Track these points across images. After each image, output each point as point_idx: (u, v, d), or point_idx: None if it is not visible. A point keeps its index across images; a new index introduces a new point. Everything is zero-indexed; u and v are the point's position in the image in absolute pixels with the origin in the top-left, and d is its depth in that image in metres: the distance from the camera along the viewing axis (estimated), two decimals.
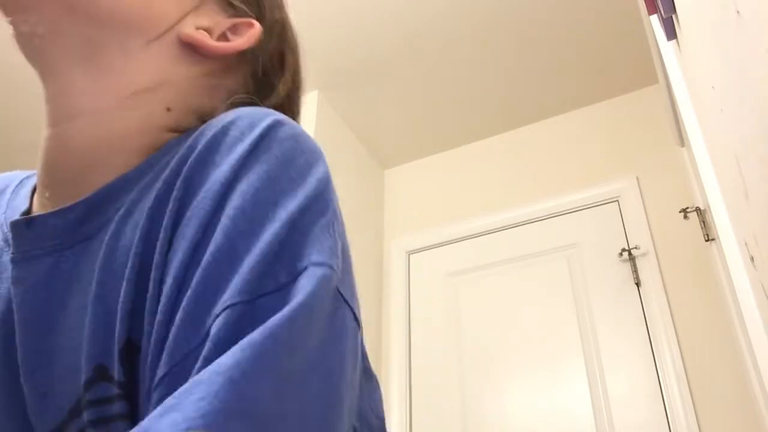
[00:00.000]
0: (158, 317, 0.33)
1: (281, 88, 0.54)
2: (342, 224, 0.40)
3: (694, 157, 1.14)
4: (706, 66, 0.80)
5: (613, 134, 2.31)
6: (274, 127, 0.38)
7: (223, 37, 0.49)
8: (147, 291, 0.35)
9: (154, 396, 0.31)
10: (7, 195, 0.49)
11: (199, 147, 0.38)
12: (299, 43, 0.56)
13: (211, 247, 0.33)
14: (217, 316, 0.31)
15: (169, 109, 0.46)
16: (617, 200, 2.19)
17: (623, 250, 2.06)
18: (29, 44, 0.43)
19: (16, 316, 0.39)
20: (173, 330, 0.32)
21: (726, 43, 0.61)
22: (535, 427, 1.95)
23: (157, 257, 0.35)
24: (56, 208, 0.42)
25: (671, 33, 1.09)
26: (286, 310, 0.31)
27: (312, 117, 2.26)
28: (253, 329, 0.30)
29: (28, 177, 0.52)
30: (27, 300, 0.40)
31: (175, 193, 0.36)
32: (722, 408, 1.74)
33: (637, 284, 2.01)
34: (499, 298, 2.22)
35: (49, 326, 0.39)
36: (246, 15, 0.51)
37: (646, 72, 2.20)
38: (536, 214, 2.31)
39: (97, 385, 0.35)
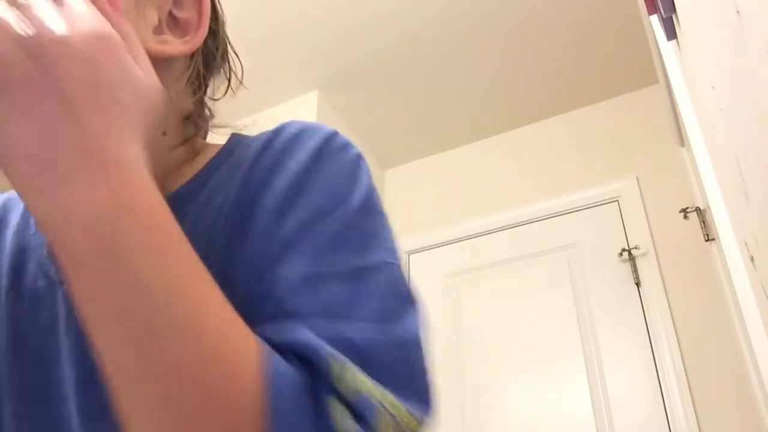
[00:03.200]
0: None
1: (216, 46, 0.51)
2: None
3: (694, 157, 1.14)
4: (706, 66, 0.80)
5: (613, 134, 2.31)
6: (327, 141, 0.45)
7: (170, 18, 0.44)
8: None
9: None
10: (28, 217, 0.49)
11: (262, 165, 0.43)
12: None
13: (273, 245, 0.39)
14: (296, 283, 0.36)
15: (164, 134, 0.45)
16: (617, 200, 2.19)
17: (623, 250, 2.06)
18: None
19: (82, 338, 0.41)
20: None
21: (726, 43, 0.61)
22: (535, 427, 1.95)
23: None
24: None
25: (671, 33, 1.09)
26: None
27: (312, 117, 2.26)
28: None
29: None
30: None
31: (251, 186, 0.42)
32: (722, 408, 1.74)
33: (637, 284, 2.01)
34: (499, 298, 2.22)
35: None
36: None
37: (646, 72, 2.19)
38: (536, 214, 2.31)
39: None
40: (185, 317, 0.29)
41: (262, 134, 0.47)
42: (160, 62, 0.42)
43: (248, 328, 0.32)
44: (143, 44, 0.40)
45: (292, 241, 0.38)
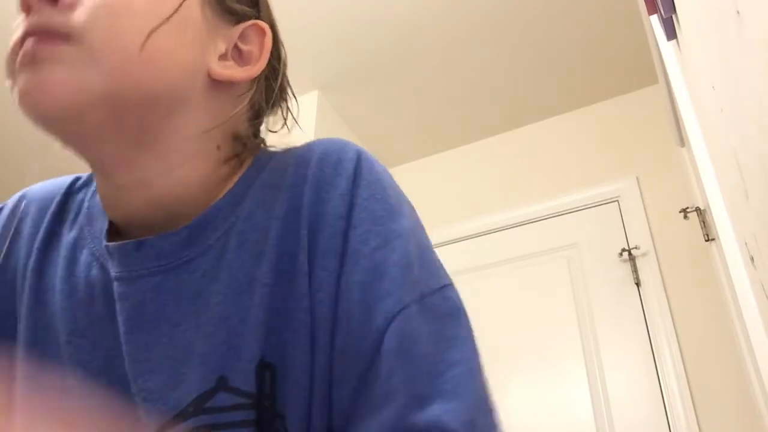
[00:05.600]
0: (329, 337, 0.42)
1: (280, 80, 0.56)
2: None
3: (694, 157, 1.14)
4: (706, 66, 0.80)
5: (612, 134, 2.31)
6: (359, 160, 0.48)
7: (236, 49, 0.50)
8: (281, 317, 0.43)
9: (344, 394, 0.40)
10: (86, 203, 0.52)
11: (307, 190, 0.46)
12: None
13: (360, 273, 0.42)
14: (394, 317, 0.41)
15: (218, 148, 0.49)
16: (617, 200, 2.19)
17: (623, 250, 2.06)
18: (81, 143, 0.44)
19: (122, 329, 0.44)
20: (352, 340, 0.41)
21: (726, 43, 0.61)
22: (535, 427, 1.95)
23: (300, 289, 0.43)
24: (161, 232, 0.46)
25: (671, 33, 1.09)
26: (464, 330, 0.48)
27: (312, 117, 2.26)
28: (429, 321, 0.45)
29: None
30: (134, 315, 0.44)
31: (302, 232, 0.45)
32: (722, 408, 1.74)
33: (637, 284, 2.01)
34: (499, 298, 2.22)
35: (155, 338, 0.43)
36: (246, 17, 0.52)
37: (646, 72, 2.19)
38: (536, 214, 2.31)
39: (218, 395, 0.41)
40: None
41: (290, 151, 0.51)
42: (221, 84, 0.48)
43: None
44: (209, 67, 0.48)
45: (383, 270, 0.43)
